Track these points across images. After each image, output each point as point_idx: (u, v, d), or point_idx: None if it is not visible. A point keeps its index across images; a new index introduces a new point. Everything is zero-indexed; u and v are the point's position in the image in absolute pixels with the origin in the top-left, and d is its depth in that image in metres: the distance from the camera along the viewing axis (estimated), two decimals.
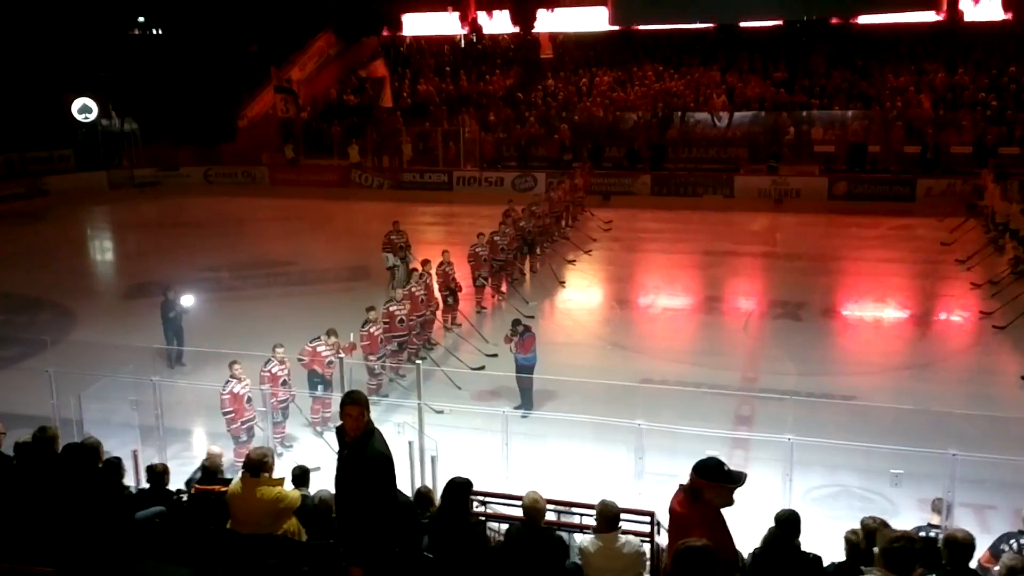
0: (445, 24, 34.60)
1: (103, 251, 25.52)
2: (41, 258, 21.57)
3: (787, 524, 5.88)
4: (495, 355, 13.52)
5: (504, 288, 17.21)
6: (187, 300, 14.13)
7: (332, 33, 35.83)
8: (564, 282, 18.48)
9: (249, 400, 10.59)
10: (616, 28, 30.11)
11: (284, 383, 11.00)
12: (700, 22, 26.72)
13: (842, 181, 26.05)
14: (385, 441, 5.07)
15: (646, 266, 20.73)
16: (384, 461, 4.94)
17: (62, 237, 24.77)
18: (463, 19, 34.11)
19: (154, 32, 39.85)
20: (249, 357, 10.86)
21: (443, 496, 5.81)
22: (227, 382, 10.47)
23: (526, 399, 11.83)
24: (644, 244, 22.27)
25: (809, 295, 17.30)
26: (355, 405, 5.00)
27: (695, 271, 19.85)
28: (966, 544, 5.40)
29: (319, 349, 11.46)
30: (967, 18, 27.72)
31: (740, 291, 18.70)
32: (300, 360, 11.43)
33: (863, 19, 27.98)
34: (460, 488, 5.80)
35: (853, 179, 26.07)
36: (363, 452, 4.91)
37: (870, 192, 25.64)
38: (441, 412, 10.64)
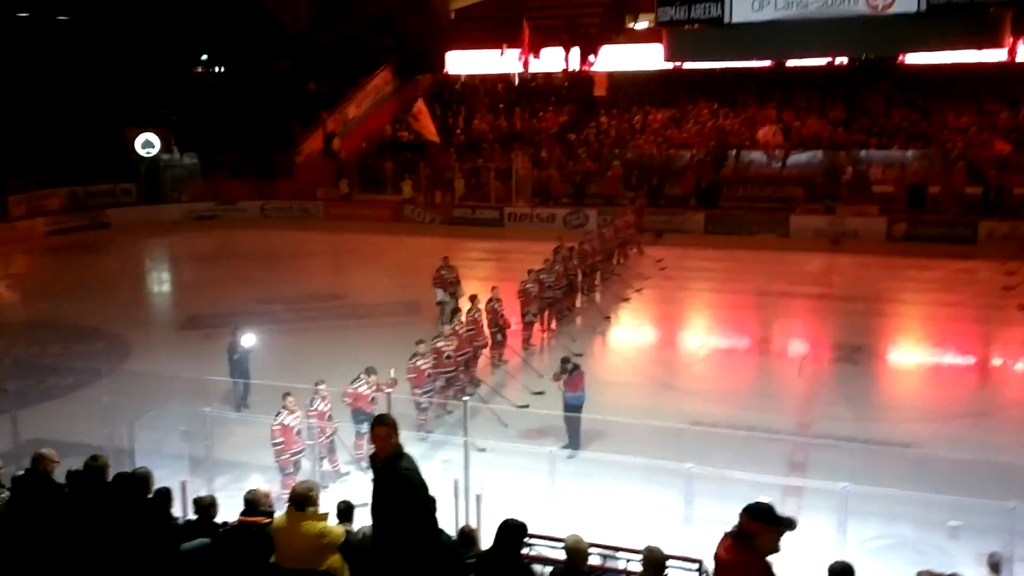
0: (499, 62, 35.02)
1: (160, 283, 26.16)
2: (100, 289, 22.19)
3: None
4: (542, 393, 13.49)
5: (553, 326, 17.19)
6: (248, 340, 13.66)
7: (389, 70, 36.52)
8: (609, 317, 18.41)
9: (299, 432, 10.72)
10: (671, 66, 30.14)
11: (329, 418, 11.13)
12: (756, 60, 26.63)
13: (902, 222, 25.59)
14: (416, 464, 5.11)
15: (698, 305, 20.56)
16: (413, 476, 4.98)
17: (121, 269, 25.47)
18: (517, 57, 34.48)
19: (216, 70, 41.07)
20: (299, 390, 11.00)
21: (497, 537, 5.77)
22: (278, 413, 10.62)
23: (573, 439, 11.76)
24: (696, 283, 22.10)
25: (866, 338, 16.97)
26: (383, 426, 5.13)
27: (748, 312, 19.62)
28: None
29: (360, 390, 11.53)
30: (1022, 59, 27.18)
31: (795, 333, 18.41)
32: (344, 401, 11.51)
33: (923, 58, 27.58)
34: (515, 531, 5.76)
35: (913, 220, 25.58)
36: (393, 472, 4.98)
37: (930, 234, 25.11)
38: (483, 451, 10.61)
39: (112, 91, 34.05)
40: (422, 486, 5.02)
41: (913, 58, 27.80)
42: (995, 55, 25.91)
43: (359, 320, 18.75)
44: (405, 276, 22.05)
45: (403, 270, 23.38)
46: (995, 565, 7.34)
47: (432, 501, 5.29)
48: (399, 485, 4.96)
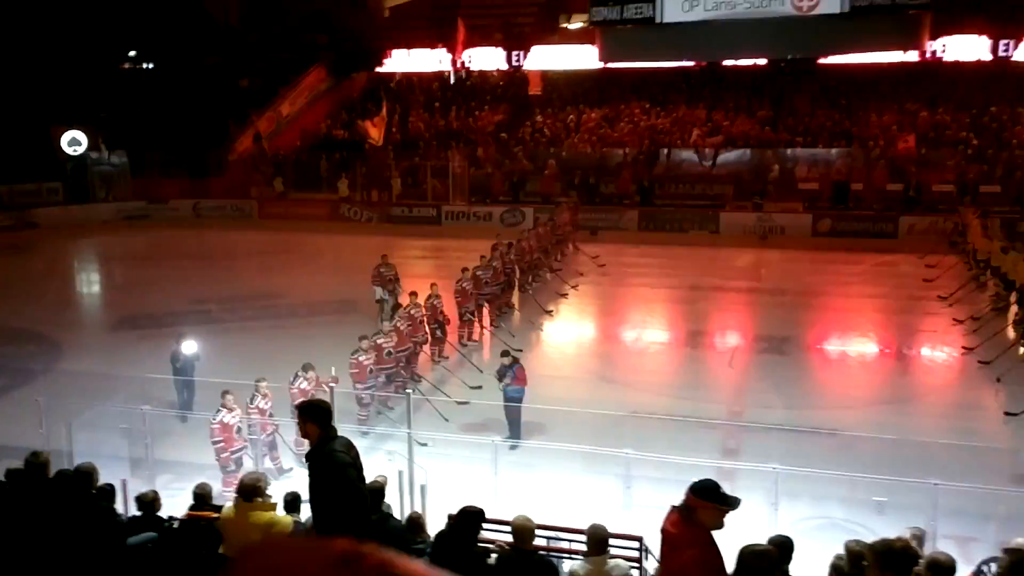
0: (434, 61, 35.00)
1: (91, 283, 25.56)
2: (28, 290, 21.57)
3: (780, 549, 5.99)
4: (479, 387, 13.63)
5: (491, 322, 17.35)
6: (190, 347, 13.17)
7: (323, 68, 36.23)
8: (551, 311, 18.68)
9: (239, 430, 10.67)
10: (604, 66, 30.54)
11: (270, 415, 11.10)
12: (687, 60, 27.22)
13: (826, 218, 26.46)
14: (346, 447, 5.20)
15: (634, 300, 20.94)
16: (337, 456, 5.11)
17: (49, 269, 24.81)
18: (452, 56, 34.51)
19: (145, 66, 40.18)
20: (238, 387, 10.95)
21: (455, 523, 5.90)
22: (217, 411, 10.56)
23: (514, 430, 11.95)
24: (632, 279, 22.51)
25: (794, 330, 17.54)
26: (299, 415, 5.36)
27: (682, 306, 20.08)
28: (948, 567, 5.52)
29: (302, 387, 11.50)
30: (946, 59, 28.28)
31: (726, 326, 18.91)
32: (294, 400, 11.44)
33: (846, 59, 28.48)
34: (473, 517, 5.89)
35: (837, 216, 26.48)
36: (319, 455, 5.12)
37: (854, 229, 26.02)
38: (425, 445, 10.71)
39: (37, 88, 33.06)
40: (348, 465, 5.09)
41: (837, 59, 28.65)
42: (914, 56, 26.85)
43: (297, 319, 18.63)
44: (343, 275, 21.97)
45: (341, 269, 23.28)
46: (918, 539, 7.74)
47: (361, 482, 5.29)
48: (325, 466, 5.09)
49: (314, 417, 5.17)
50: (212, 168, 32.19)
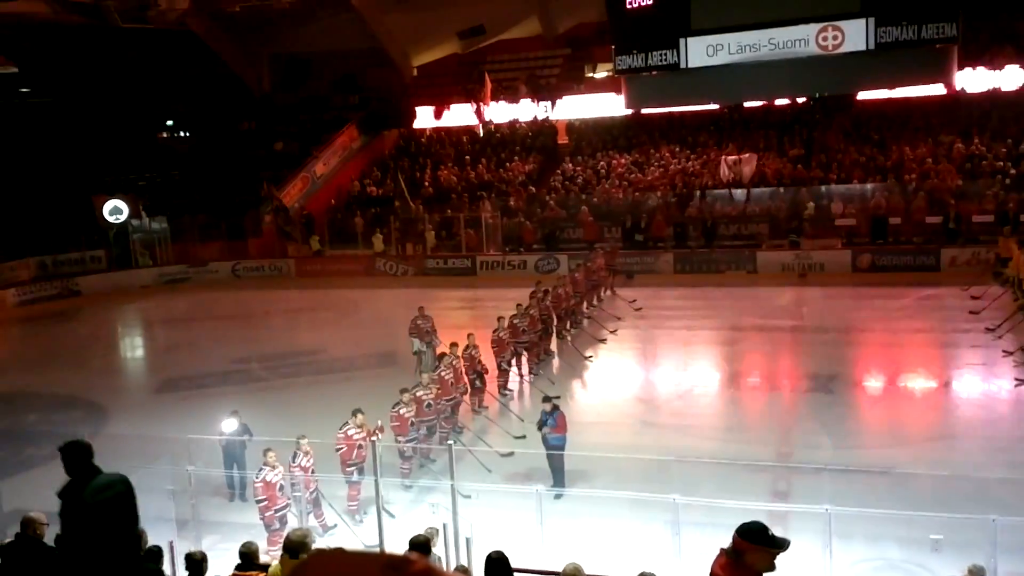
0: (463, 115, 35.57)
1: (134, 347, 25.97)
2: (73, 357, 22.01)
3: None
4: (523, 437, 13.57)
5: (530, 370, 17.32)
6: (229, 425, 12.40)
7: (355, 128, 36.96)
8: (590, 357, 18.63)
9: (281, 488, 10.70)
10: (631, 112, 30.79)
11: (312, 472, 11.12)
12: (712, 103, 27.38)
13: (866, 253, 26.18)
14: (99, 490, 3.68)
15: (673, 343, 20.80)
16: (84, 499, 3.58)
17: (93, 336, 25.29)
18: (479, 110, 35.01)
19: (182, 135, 41.29)
20: (280, 445, 11.01)
21: (486, 571, 5.86)
22: (260, 470, 10.61)
23: (558, 478, 11.84)
24: (670, 322, 22.38)
25: (839, 368, 17.28)
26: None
27: (722, 347, 19.89)
28: None
29: (350, 433, 11.55)
30: (975, 90, 28.16)
31: (769, 365, 18.68)
32: (338, 449, 11.48)
33: (876, 94, 28.42)
34: (499, 563, 5.85)
35: (877, 251, 26.19)
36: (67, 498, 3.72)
37: (894, 263, 25.71)
38: (468, 497, 10.63)
39: (78, 159, 34.12)
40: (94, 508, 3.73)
41: (867, 94, 28.61)
42: (944, 89, 26.75)
43: (337, 374, 18.75)
44: (381, 328, 22.14)
45: (378, 322, 23.46)
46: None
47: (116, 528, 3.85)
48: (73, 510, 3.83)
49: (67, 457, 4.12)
50: (249, 230, 32.81)
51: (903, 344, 19.18)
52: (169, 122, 40.90)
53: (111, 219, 31.66)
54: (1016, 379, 15.54)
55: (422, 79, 39.11)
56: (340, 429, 11.57)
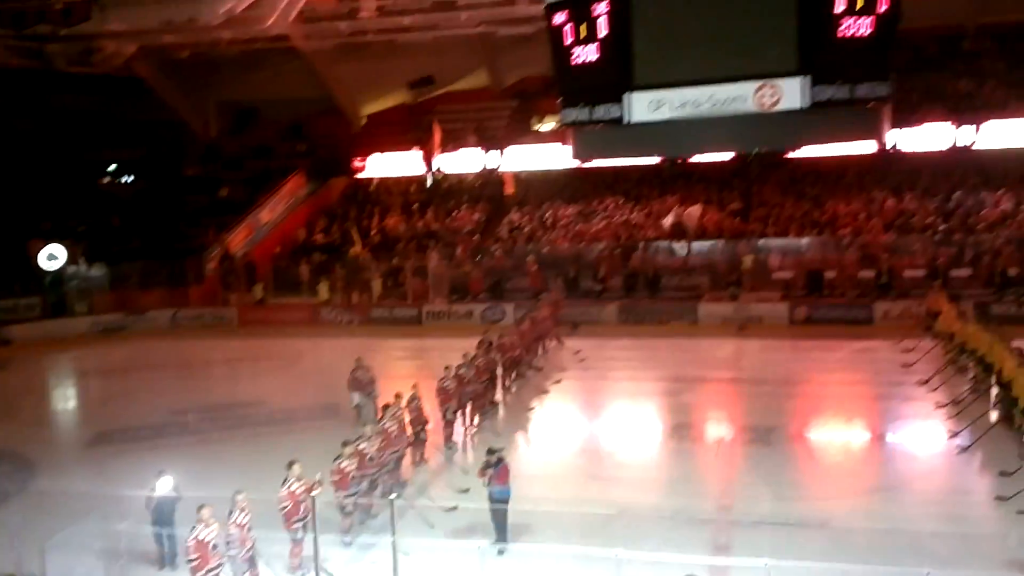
0: (411, 164, 35.76)
1: (66, 399, 25.12)
2: (2, 409, 21.19)
3: None
4: (467, 490, 13.40)
5: (475, 421, 17.19)
6: (165, 485, 11.72)
7: (302, 175, 36.82)
8: (534, 408, 18.60)
9: (215, 547, 10.34)
10: (577, 164, 31.23)
11: (249, 529, 10.79)
12: (656, 157, 27.96)
13: (802, 307, 26.76)
14: None
15: (617, 394, 20.85)
16: None
17: (24, 386, 24.41)
18: (428, 159, 35.23)
19: (125, 179, 40.60)
20: (217, 501, 10.68)
21: None
22: (193, 528, 10.26)
23: (501, 533, 11.68)
24: (614, 372, 22.48)
25: (778, 419, 17.48)
26: None
27: (665, 398, 20.02)
28: None
29: (294, 489, 11.22)
30: (906, 149, 29.23)
31: (710, 417, 18.83)
32: (283, 507, 11.11)
33: (810, 151, 29.26)
34: None
35: (813, 304, 26.79)
36: None
37: (830, 316, 26.31)
38: (407, 555, 10.42)
39: (14, 204, 33.30)
40: None
41: (803, 151, 29.45)
42: (876, 146, 27.65)
43: (277, 426, 18.35)
44: (324, 378, 21.79)
45: (322, 372, 23.11)
46: None
47: None
48: None
49: None
50: (191, 278, 32.23)
51: (839, 396, 19.53)
52: (111, 167, 40.21)
53: (46, 265, 30.86)
54: (949, 432, 15.86)
55: (371, 128, 39.23)
56: (283, 485, 11.21)
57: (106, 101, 36.65)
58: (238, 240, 33.52)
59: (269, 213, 35.00)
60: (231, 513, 10.59)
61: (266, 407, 19.94)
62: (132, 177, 40.25)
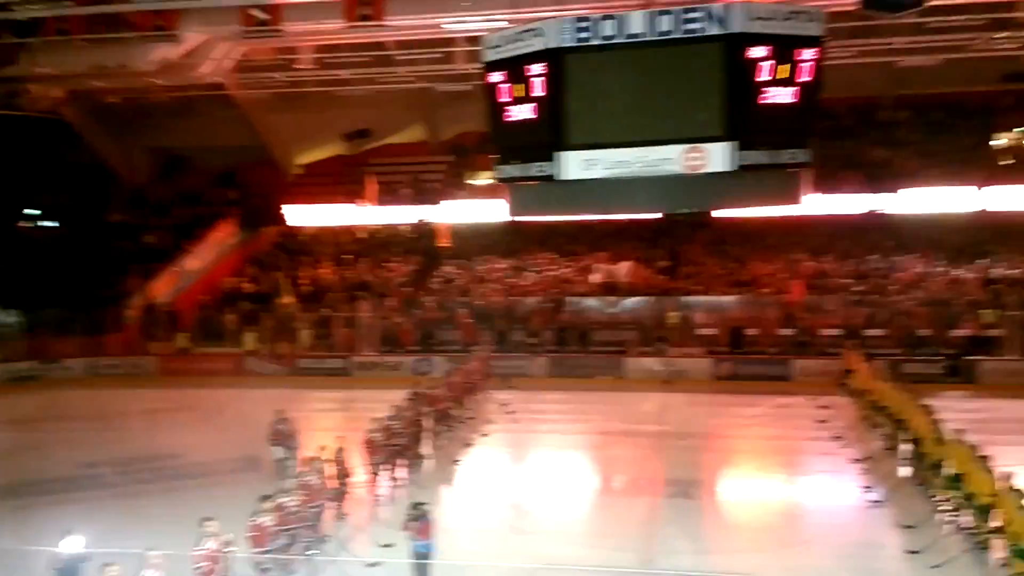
0: (344, 215, 35.64)
1: None
2: None
3: None
4: (390, 545, 13.14)
5: (401, 474, 16.95)
6: (71, 544, 11.06)
7: (232, 223, 36.32)
8: (461, 461, 18.48)
9: None
10: (510, 218, 31.54)
11: None
12: (587, 215, 28.53)
13: (725, 362, 27.32)
14: None
15: (544, 447, 20.85)
16: None
17: None
18: (362, 211, 35.19)
19: (46, 224, 39.36)
20: (127, 558, 10.24)
21: None
22: None
23: None
24: (542, 425, 22.48)
25: (699, 473, 17.74)
26: None
27: (591, 451, 20.10)
28: None
29: (209, 549, 10.80)
30: (824, 213, 30.33)
31: (635, 470, 18.93)
32: (198, 568, 10.67)
33: (735, 213, 30.15)
34: None
35: (735, 360, 27.36)
36: None
37: (751, 373, 26.93)
38: None
39: None
40: None
41: (728, 212, 30.28)
42: (797, 211, 28.62)
43: (196, 479, 17.76)
44: (246, 430, 21.18)
45: (244, 424, 22.47)
46: None
47: None
48: None
49: None
50: (110, 326, 31.23)
51: (758, 450, 19.92)
52: (31, 211, 38.94)
53: None
54: (863, 486, 16.22)
55: (305, 177, 39.10)
56: (199, 545, 10.77)
57: (28, 143, 35.67)
58: (163, 288, 32.76)
59: (196, 261, 34.35)
60: (142, 572, 10.16)
61: (184, 460, 19.34)
62: (55, 222, 39.04)
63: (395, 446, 16.57)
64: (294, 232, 36.91)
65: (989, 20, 25.61)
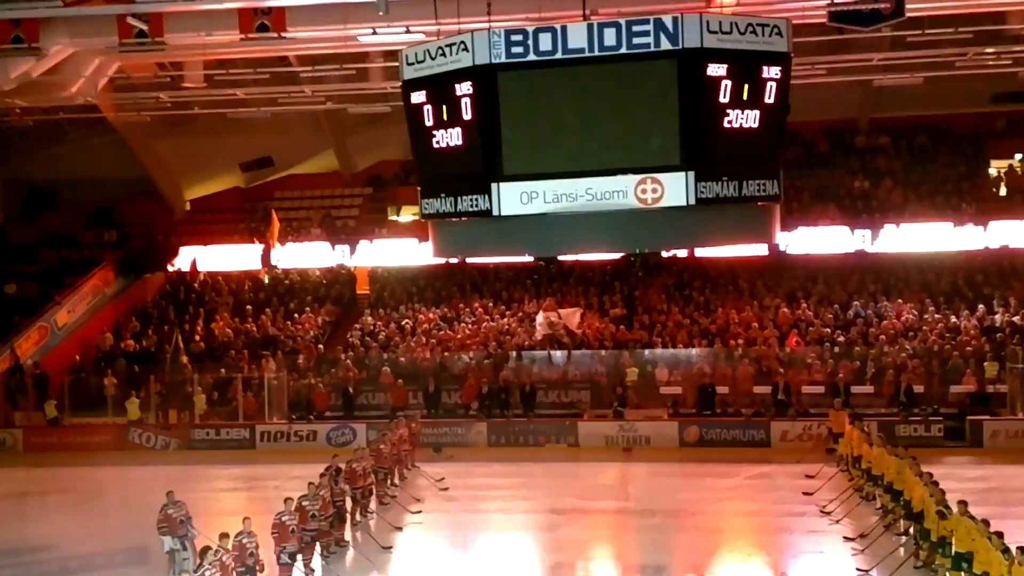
0: (244, 258, 35.35)
1: None
2: None
3: None
4: None
5: (317, 565, 16.81)
6: None
7: (110, 269, 35.86)
8: (390, 548, 18.42)
9: None
10: (440, 261, 31.68)
11: None
12: (527, 255, 28.80)
13: (693, 426, 27.67)
14: None
15: (485, 529, 20.84)
16: None
17: None
18: (265, 253, 34.91)
19: None
20: None
21: None
22: None
23: None
24: (482, 503, 22.49)
25: (668, 557, 17.93)
26: None
27: (541, 533, 20.12)
28: None
29: None
30: (798, 251, 31.07)
31: (593, 555, 19.04)
32: None
33: (699, 252, 30.65)
34: None
35: (704, 423, 27.74)
36: None
37: (723, 437, 27.34)
38: None
39: None
40: None
41: (689, 252, 30.80)
42: (767, 250, 29.30)
43: None
44: (131, 516, 20.78)
45: (129, 509, 22.06)
46: None
47: None
48: None
49: None
50: None
51: (735, 529, 20.18)
52: None
53: None
54: (858, 569, 16.47)
55: (196, 215, 38.94)
56: None
57: None
58: (27, 347, 32.09)
59: (67, 314, 33.75)
60: None
61: (57, 553, 18.97)
62: None
63: (311, 531, 16.48)
64: (185, 279, 36.56)
65: (976, 33, 26.29)
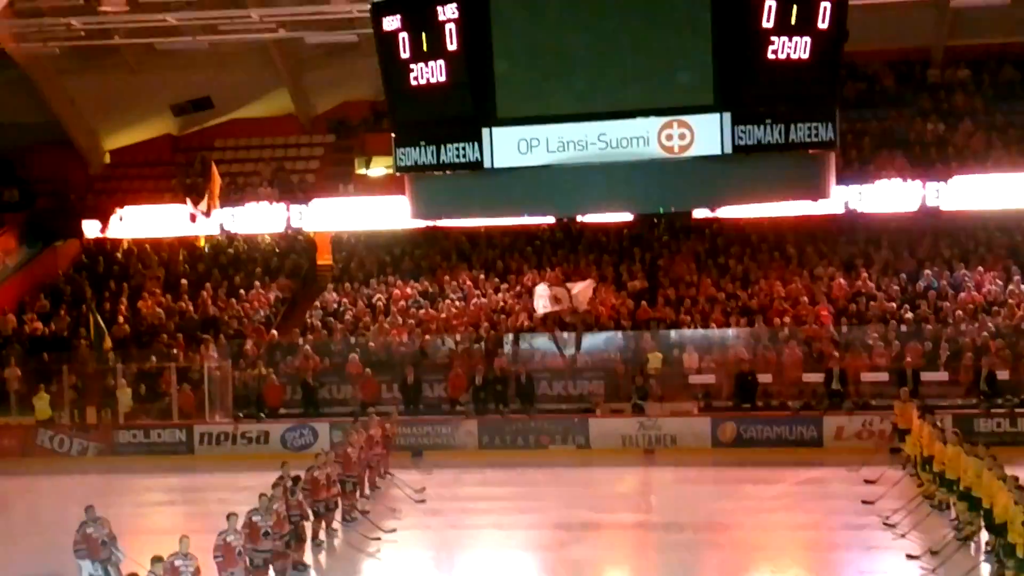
0: (178, 222, 35.15)
1: None
2: None
3: None
4: None
5: None
6: None
7: (13, 236, 35.85)
8: (359, 573, 18.59)
9: None
10: (421, 225, 31.54)
11: None
12: (526, 216, 28.52)
13: (729, 422, 27.75)
14: None
15: (475, 550, 20.97)
16: None
17: None
18: (204, 215, 34.69)
19: None
20: None
21: None
22: None
23: None
24: (472, 518, 22.61)
25: None
26: None
27: (545, 554, 20.26)
28: None
29: None
30: (862, 210, 30.94)
31: None
32: None
33: (733, 212, 30.33)
34: None
35: (742, 419, 27.81)
36: None
37: (766, 436, 27.46)
38: None
39: None
40: None
41: (724, 212, 30.61)
42: (821, 207, 29.17)
43: None
44: (43, 535, 21.03)
45: (39, 527, 22.30)
46: None
47: None
48: None
49: None
50: None
51: (779, 547, 20.27)
52: None
53: None
54: None
55: (118, 169, 38.90)
56: None
57: None
58: None
59: None
60: None
61: None
62: None
63: (262, 553, 16.58)
64: (104, 247, 36.59)
65: None
